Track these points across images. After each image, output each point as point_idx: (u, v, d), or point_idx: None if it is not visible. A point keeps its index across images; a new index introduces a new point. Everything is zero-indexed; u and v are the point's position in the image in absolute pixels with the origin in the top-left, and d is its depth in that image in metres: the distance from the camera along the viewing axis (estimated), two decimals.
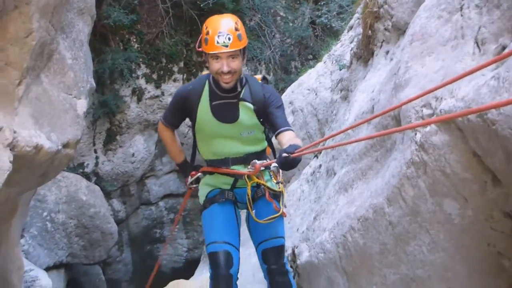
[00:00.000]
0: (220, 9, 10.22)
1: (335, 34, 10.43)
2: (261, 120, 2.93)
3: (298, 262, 4.16)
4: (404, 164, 2.21)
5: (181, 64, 10.84)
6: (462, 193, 1.91)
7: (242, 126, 2.90)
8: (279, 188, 2.99)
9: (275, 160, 2.63)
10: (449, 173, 1.90)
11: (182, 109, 2.99)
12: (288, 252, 4.85)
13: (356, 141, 2.08)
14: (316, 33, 12.08)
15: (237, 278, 2.86)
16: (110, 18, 9.33)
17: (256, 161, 2.86)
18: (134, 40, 10.33)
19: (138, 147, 10.78)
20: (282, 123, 2.81)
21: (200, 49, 2.81)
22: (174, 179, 11.72)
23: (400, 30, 3.89)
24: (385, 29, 4.19)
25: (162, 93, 10.67)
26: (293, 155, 2.31)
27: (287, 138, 2.67)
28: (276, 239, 2.96)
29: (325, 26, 11.38)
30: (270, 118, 2.87)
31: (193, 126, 3.01)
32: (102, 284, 10.05)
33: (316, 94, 7.22)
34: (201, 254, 9.66)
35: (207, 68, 2.88)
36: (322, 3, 10.38)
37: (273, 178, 3.04)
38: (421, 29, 2.65)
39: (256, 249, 3.01)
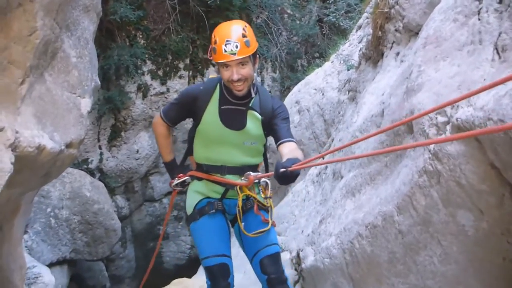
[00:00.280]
0: (227, 6, 10.17)
1: (342, 33, 10.35)
2: (265, 132, 2.90)
3: (303, 265, 4.10)
4: (416, 173, 2.14)
5: (187, 61, 10.78)
6: (477, 205, 1.84)
7: (247, 135, 2.86)
8: (268, 203, 2.94)
9: (271, 173, 2.61)
10: (464, 184, 1.83)
11: (187, 109, 2.93)
12: (292, 254, 4.80)
13: (361, 156, 2.01)
14: (323, 32, 12.00)
15: (233, 286, 2.86)
16: (116, 14, 9.29)
17: (251, 172, 2.82)
18: (140, 36, 10.28)
19: (142, 143, 10.74)
20: (285, 134, 2.78)
21: (210, 58, 2.78)
22: None
23: (411, 31, 3.81)
24: (396, 30, 4.11)
25: (168, 90, 10.62)
26: (290, 169, 2.25)
27: (288, 149, 2.64)
28: (271, 247, 2.92)
29: (332, 25, 11.30)
30: (274, 129, 2.84)
31: (194, 128, 2.95)
32: (105, 280, 10.08)
33: (323, 94, 7.15)
34: None
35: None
36: (330, 1, 10.31)
37: (262, 193, 2.98)
38: (435, 32, 2.58)
39: (251, 261, 2.95)
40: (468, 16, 2.15)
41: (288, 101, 7.91)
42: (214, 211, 2.91)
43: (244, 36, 2.68)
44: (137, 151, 10.69)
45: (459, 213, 1.94)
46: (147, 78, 10.42)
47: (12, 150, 2.21)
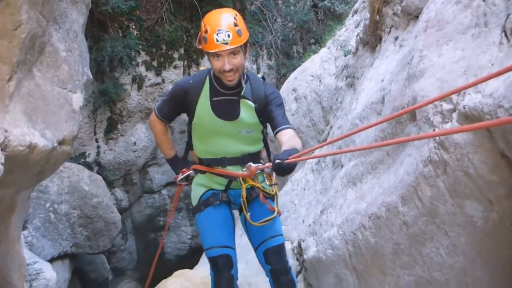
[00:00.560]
0: None
1: (338, 18, 10.22)
2: (261, 119, 2.86)
3: (305, 256, 4.05)
4: (421, 162, 2.06)
5: (182, 51, 10.65)
6: (486, 195, 1.77)
7: (242, 124, 2.83)
8: (273, 191, 2.94)
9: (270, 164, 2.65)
10: (473, 174, 1.76)
11: (180, 103, 2.90)
12: (294, 244, 4.75)
13: (361, 149, 1.93)
14: (318, 17, 11.85)
15: (237, 278, 2.87)
16: (108, 5, 9.12)
17: (252, 164, 2.78)
18: (133, 26, 10.12)
19: (139, 135, 10.67)
20: (282, 122, 2.74)
21: (200, 47, 2.73)
22: None
23: (410, 15, 3.71)
24: (394, 13, 4.01)
25: (163, 81, 10.51)
26: (287, 161, 2.19)
27: (287, 137, 2.60)
28: (276, 238, 2.94)
29: (328, 10, 11.17)
30: (270, 116, 2.80)
31: (190, 122, 2.92)
32: (107, 273, 10.09)
33: (320, 81, 7.04)
34: None
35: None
36: None
37: (267, 180, 2.98)
38: (437, 15, 2.49)
39: (256, 250, 2.98)
40: None
41: (285, 88, 7.81)
42: (218, 202, 2.92)
43: (235, 25, 2.62)
44: (135, 143, 10.62)
45: (467, 204, 1.87)
46: (142, 69, 10.28)
47: (1, 150, 2.14)
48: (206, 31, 2.61)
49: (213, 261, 2.83)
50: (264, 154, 3.11)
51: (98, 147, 10.26)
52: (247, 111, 2.81)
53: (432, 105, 2.01)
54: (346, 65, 6.31)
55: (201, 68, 3.04)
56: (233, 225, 2.97)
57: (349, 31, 7.03)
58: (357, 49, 5.30)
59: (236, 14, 2.70)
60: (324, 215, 3.72)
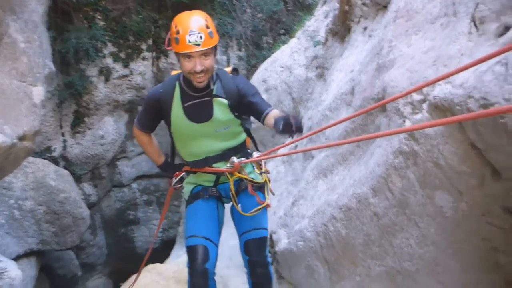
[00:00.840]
0: None
1: (307, 8, 10.21)
2: (236, 114, 2.84)
3: (277, 249, 4.03)
4: (391, 153, 2.05)
5: (150, 42, 10.43)
6: (456, 186, 1.76)
7: (217, 123, 2.81)
8: (263, 178, 2.94)
9: (256, 158, 2.81)
10: (443, 165, 1.75)
11: (155, 113, 2.89)
12: None
13: (332, 145, 1.90)
14: (287, 7, 11.81)
15: (215, 274, 2.84)
16: None
17: (234, 158, 2.81)
18: (99, 17, 9.84)
19: (107, 128, 10.44)
20: (264, 106, 2.74)
21: (169, 48, 2.70)
22: (146, 160, 11.47)
23: (379, 5, 3.71)
24: (363, 4, 4.01)
25: (131, 72, 10.28)
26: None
27: (276, 114, 2.60)
28: (258, 230, 2.92)
29: (297, 0, 11.14)
30: (250, 107, 2.78)
31: (169, 129, 2.92)
32: (76, 269, 9.91)
33: (290, 72, 7.00)
34: (176, 234, 9.53)
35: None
36: None
37: (256, 168, 2.98)
38: (406, 5, 2.48)
39: (239, 238, 2.98)
40: None
41: (255, 79, 7.75)
42: (207, 196, 2.94)
43: (207, 27, 2.61)
44: (102, 137, 10.39)
45: (437, 195, 1.86)
46: (109, 61, 10.03)
47: None
48: (177, 32, 2.58)
49: (189, 250, 2.82)
50: (250, 144, 3.11)
51: (65, 141, 9.99)
52: (220, 109, 2.80)
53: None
54: (315, 56, 6.29)
55: (172, 72, 2.99)
56: (218, 222, 2.96)
57: (319, 21, 7.01)
58: (326, 39, 5.29)
59: (207, 17, 2.70)
60: (295, 207, 3.70)
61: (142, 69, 10.35)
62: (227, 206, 3.09)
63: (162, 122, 3.00)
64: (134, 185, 11.62)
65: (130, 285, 5.30)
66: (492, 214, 1.71)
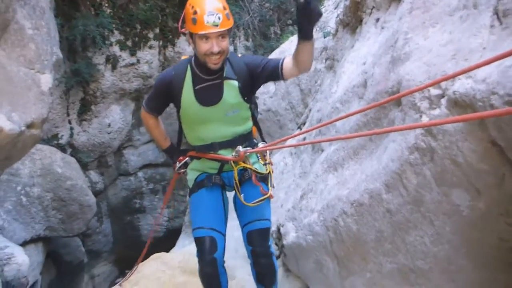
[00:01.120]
0: None
1: None
2: (246, 98, 2.84)
3: (284, 242, 4.00)
4: (406, 149, 2.00)
5: (157, 30, 10.38)
6: (475, 184, 1.71)
7: (226, 105, 2.80)
8: (267, 169, 2.96)
9: (260, 148, 2.83)
10: (461, 162, 1.70)
11: (165, 96, 2.88)
12: (272, 229, 4.70)
13: (342, 138, 1.84)
14: None
15: (224, 261, 2.89)
16: None
17: (240, 147, 2.84)
18: (106, 4, 9.79)
19: (114, 117, 10.44)
20: (276, 61, 2.75)
21: (183, 30, 2.70)
22: (153, 149, 11.51)
23: None
24: None
25: (138, 61, 10.25)
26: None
27: (289, 59, 2.68)
28: (262, 221, 2.95)
29: None
30: (265, 71, 2.77)
31: (177, 112, 2.91)
32: (83, 256, 9.99)
33: None
34: (182, 224, 9.55)
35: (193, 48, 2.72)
36: None
37: (260, 159, 2.99)
38: None
39: (242, 229, 3.00)
40: None
41: None
42: (211, 184, 2.95)
43: (224, 8, 2.59)
44: (109, 125, 10.40)
45: (454, 193, 1.81)
46: (116, 49, 10.00)
47: None
48: (195, 13, 2.55)
49: (197, 241, 2.85)
50: (256, 134, 3.12)
51: (71, 128, 10.01)
52: (230, 92, 2.78)
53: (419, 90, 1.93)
54: (325, 47, 6.21)
55: (183, 57, 2.98)
56: (224, 210, 2.97)
57: (328, 12, 6.92)
58: (336, 30, 5.20)
59: None
60: (304, 200, 3.66)
61: (149, 57, 10.32)
62: (230, 195, 3.09)
63: (169, 109, 2.99)
64: (140, 173, 11.67)
65: (130, 274, 5.30)
66: (510, 214, 1.66)
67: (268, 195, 2.88)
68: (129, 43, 10.10)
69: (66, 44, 8.92)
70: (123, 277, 5.79)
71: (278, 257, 4.31)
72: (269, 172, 2.97)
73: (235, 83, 2.77)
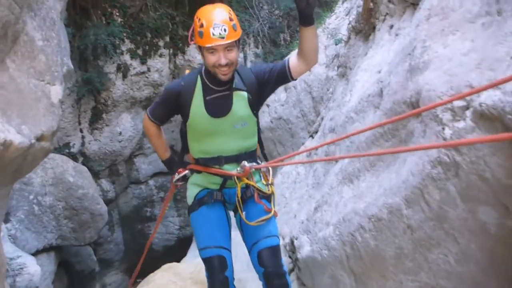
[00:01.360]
0: None
1: (327, 5, 10.03)
2: (254, 112, 2.81)
3: (299, 255, 3.91)
4: (428, 163, 1.91)
5: (167, 39, 10.38)
6: (503, 201, 1.62)
7: (235, 117, 2.76)
8: (269, 190, 2.89)
9: (266, 164, 2.81)
10: (489, 178, 1.61)
11: (172, 106, 2.84)
12: (286, 241, 4.61)
13: (357, 156, 1.77)
14: None
15: (234, 279, 2.80)
16: None
17: (246, 163, 2.77)
18: (117, 14, 9.82)
19: (125, 125, 10.44)
20: (283, 62, 2.75)
21: (192, 42, 2.68)
22: None
23: (406, 2, 3.55)
24: (389, 1, 3.85)
25: (148, 69, 10.25)
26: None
27: (293, 56, 2.68)
28: (270, 238, 2.82)
29: None
30: (273, 74, 2.77)
31: (184, 123, 2.85)
32: (94, 265, 9.97)
33: (310, 70, 6.87)
34: (193, 233, 9.51)
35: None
36: None
37: (263, 179, 2.93)
38: (440, 3, 2.33)
39: (249, 251, 2.87)
40: None
41: None
42: (213, 201, 2.88)
43: (231, 19, 2.58)
44: (120, 133, 10.40)
45: (481, 210, 1.72)
46: (127, 57, 10.01)
47: None
48: (201, 25, 2.55)
49: (206, 262, 2.78)
50: (259, 152, 3.05)
51: (83, 137, 10.01)
52: (239, 103, 2.75)
53: (439, 100, 1.85)
54: (337, 54, 6.15)
55: (186, 71, 2.96)
56: (228, 225, 2.89)
57: (339, 19, 6.86)
58: (349, 37, 5.13)
59: (230, 10, 2.67)
60: (319, 213, 3.57)
61: (159, 66, 10.31)
62: (233, 214, 3.02)
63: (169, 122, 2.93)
64: (151, 182, 11.64)
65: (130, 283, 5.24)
66: None
67: (272, 212, 2.78)
68: (139, 51, 10.11)
69: (77, 53, 8.95)
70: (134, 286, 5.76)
71: (291, 271, 4.22)
72: (272, 192, 2.90)
73: (245, 94, 2.75)
